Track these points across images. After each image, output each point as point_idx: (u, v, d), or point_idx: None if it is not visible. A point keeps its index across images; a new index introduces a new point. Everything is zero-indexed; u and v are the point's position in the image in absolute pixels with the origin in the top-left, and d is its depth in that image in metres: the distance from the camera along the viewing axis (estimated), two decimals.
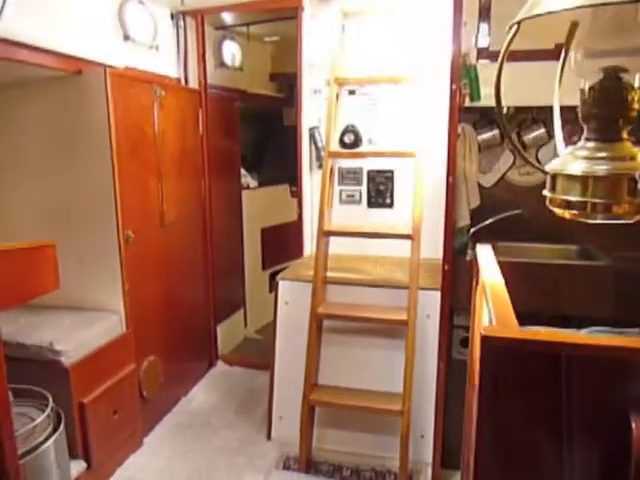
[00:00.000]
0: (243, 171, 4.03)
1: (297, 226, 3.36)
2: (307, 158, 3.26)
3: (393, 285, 2.68)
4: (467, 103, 2.17)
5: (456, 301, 2.29)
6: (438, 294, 2.56)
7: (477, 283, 1.51)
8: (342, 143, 3.15)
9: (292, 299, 2.82)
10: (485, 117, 2.44)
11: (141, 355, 2.79)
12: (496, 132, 2.40)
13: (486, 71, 2.15)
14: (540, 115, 2.38)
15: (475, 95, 2.15)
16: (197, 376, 3.44)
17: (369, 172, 3.22)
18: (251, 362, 3.64)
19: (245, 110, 4.16)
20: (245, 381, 3.50)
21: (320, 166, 3.23)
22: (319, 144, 3.20)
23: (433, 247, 2.88)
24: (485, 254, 1.49)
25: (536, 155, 2.48)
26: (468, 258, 2.26)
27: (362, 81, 2.77)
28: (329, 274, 2.80)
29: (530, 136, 2.40)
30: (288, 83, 4.72)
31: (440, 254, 3.06)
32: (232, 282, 3.94)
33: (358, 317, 2.55)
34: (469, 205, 2.26)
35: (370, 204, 3.25)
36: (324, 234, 2.63)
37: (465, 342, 2.48)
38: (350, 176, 3.26)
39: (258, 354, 3.70)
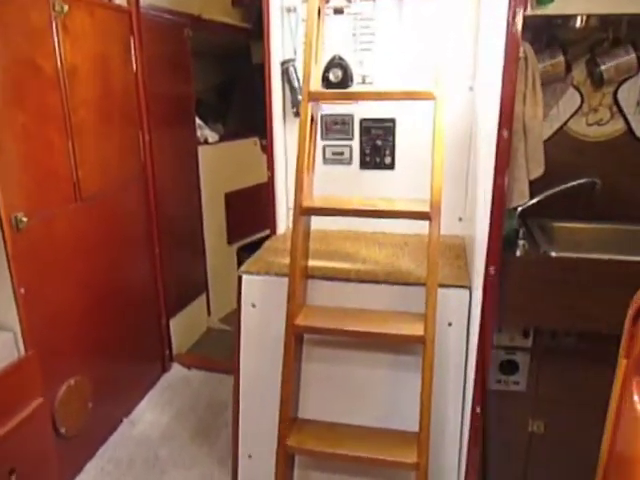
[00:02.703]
0: (199, 122, 3.17)
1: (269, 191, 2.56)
2: (279, 103, 2.43)
3: (401, 281, 1.94)
4: (528, 10, 1.37)
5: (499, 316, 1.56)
6: (465, 293, 1.85)
7: None
8: (326, 82, 2.32)
9: (261, 300, 2.06)
10: (546, 36, 1.63)
11: (56, 380, 2.04)
12: (561, 59, 1.61)
13: None
14: (631, 33, 1.58)
15: None
16: (144, 388, 2.71)
17: (362, 122, 2.41)
18: (214, 364, 2.92)
19: (201, 43, 3.26)
20: (207, 389, 2.78)
21: (297, 113, 2.41)
22: (295, 83, 2.36)
23: (447, 220, 2.14)
24: None
25: (614, 95, 1.70)
26: (519, 253, 1.52)
27: None
28: (311, 263, 2.04)
29: (611, 64, 1.61)
30: (256, 10, 3.79)
31: (456, 229, 2.37)
32: (189, 263, 3.15)
33: (352, 332, 1.81)
34: (529, 174, 1.49)
35: (364, 164, 2.46)
36: (303, 212, 1.85)
37: (506, 367, 1.78)
38: (337, 127, 2.44)
39: (224, 349, 2.95)
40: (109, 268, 2.36)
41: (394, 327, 1.79)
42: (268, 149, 2.41)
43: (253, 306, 2.05)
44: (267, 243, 2.41)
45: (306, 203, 1.83)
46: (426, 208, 1.75)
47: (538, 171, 1.50)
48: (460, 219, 2.41)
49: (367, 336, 1.83)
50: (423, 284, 1.89)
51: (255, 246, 3.86)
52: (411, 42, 2.27)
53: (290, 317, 1.82)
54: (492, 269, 1.41)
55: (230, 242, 3.52)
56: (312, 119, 1.88)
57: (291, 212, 2.58)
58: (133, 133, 2.51)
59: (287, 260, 2.01)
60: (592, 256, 1.42)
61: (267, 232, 3.73)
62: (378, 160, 2.43)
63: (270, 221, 2.52)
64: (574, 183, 1.63)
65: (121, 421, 2.50)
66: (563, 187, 1.64)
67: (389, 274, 1.97)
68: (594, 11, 1.43)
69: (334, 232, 2.43)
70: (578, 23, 1.54)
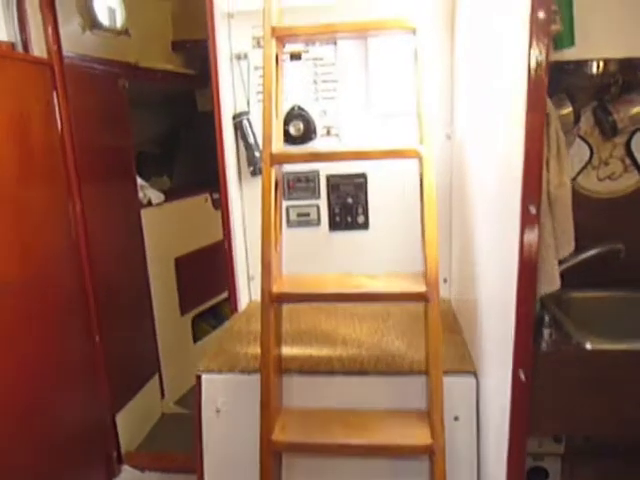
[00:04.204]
0: (141, 182, 2.80)
1: (225, 251, 2.20)
2: (233, 161, 2.12)
3: (394, 369, 1.63)
4: None
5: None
6: (471, 382, 1.57)
7: None
8: (286, 136, 2.04)
9: (227, 404, 1.69)
10: (557, 82, 1.39)
11: None
12: (570, 108, 1.38)
13: None
14: None
15: (566, 35, 1.10)
16: None
17: (329, 178, 2.14)
18: (172, 461, 2.49)
19: (140, 91, 2.93)
20: None
21: (254, 172, 2.11)
22: (250, 139, 2.07)
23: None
24: None
25: (627, 145, 1.48)
26: (545, 346, 1.24)
27: (319, 31, 1.63)
28: (285, 351, 1.71)
29: (626, 112, 1.40)
30: (200, 55, 3.51)
31: (441, 291, 2.10)
32: (137, 344, 2.74)
33: (343, 446, 1.48)
34: (558, 254, 1.22)
35: (334, 225, 2.17)
36: (273, 299, 1.51)
37: (534, 476, 1.49)
38: (301, 185, 2.16)
39: (183, 438, 2.53)
40: (35, 367, 1.94)
41: (393, 434, 1.47)
42: (223, 215, 2.08)
43: (217, 412, 1.69)
44: (228, 324, 2.06)
45: (276, 288, 1.51)
46: (421, 286, 1.47)
47: (568, 248, 1.24)
48: (445, 280, 2.16)
49: (362, 450, 1.49)
50: (420, 372, 1.60)
51: (212, 313, 3.51)
52: (379, 88, 2.03)
53: (265, 431, 1.47)
54: (522, 374, 1.12)
55: (183, 312, 3.12)
56: (276, 185, 1.58)
57: (253, 283, 2.27)
58: (59, 202, 2.12)
59: (255, 349, 1.69)
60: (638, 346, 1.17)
61: (224, 295, 3.38)
62: (350, 220, 2.16)
63: (231, 296, 2.17)
64: (598, 251, 1.39)
65: None
66: (583, 257, 1.40)
67: (378, 360, 1.67)
68: (621, 55, 1.21)
69: (305, 304, 2.11)
70: (594, 69, 1.32)
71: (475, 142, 1.64)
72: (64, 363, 2.12)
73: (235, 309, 2.17)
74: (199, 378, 1.70)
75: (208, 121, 2.16)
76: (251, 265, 2.23)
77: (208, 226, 3.15)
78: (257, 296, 2.21)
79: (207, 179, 2.92)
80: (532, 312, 1.06)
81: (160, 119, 3.87)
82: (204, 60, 2.16)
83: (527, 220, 1.04)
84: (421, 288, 1.45)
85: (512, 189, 1.09)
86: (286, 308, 1.75)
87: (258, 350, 1.56)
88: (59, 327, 2.09)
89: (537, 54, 0.96)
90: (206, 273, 3.18)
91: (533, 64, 0.96)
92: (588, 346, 1.19)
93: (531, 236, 1.04)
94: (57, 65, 2.05)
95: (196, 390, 1.70)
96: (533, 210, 1.02)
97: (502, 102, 1.19)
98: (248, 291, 2.25)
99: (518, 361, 1.13)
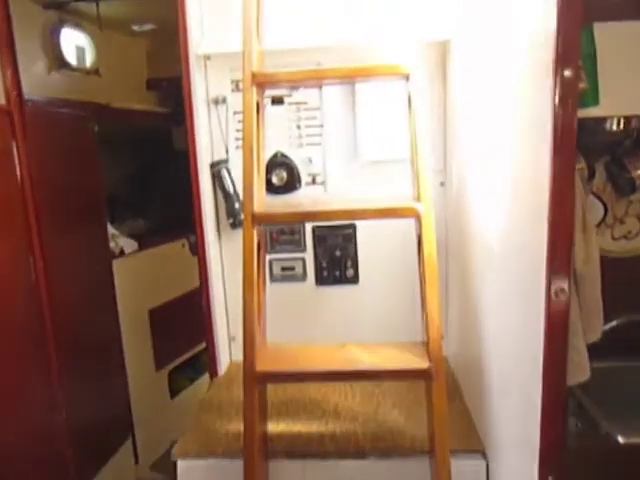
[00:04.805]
0: (112, 231, 2.61)
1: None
2: (211, 212, 1.95)
3: (392, 448, 1.46)
4: None
5: None
6: (480, 464, 1.41)
7: None
8: (268, 185, 1.89)
9: None
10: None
11: None
12: (583, 164, 1.26)
13: (618, 40, 0.97)
14: None
15: (592, 94, 0.98)
16: None
17: (315, 229, 1.98)
18: None
19: (112, 132, 2.77)
20: None
21: (234, 225, 1.94)
22: (230, 189, 1.91)
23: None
24: None
25: None
26: (571, 441, 1.08)
27: (305, 77, 1.49)
28: (271, 429, 1.53)
29: None
30: (175, 92, 3.37)
31: None
32: (107, 406, 2.50)
33: None
34: (586, 338, 1.08)
35: (321, 280, 2.01)
36: (258, 379, 1.33)
37: None
38: (285, 237, 2.00)
39: None
40: None
41: None
42: (201, 270, 1.90)
43: None
44: (207, 393, 1.86)
45: (261, 366, 1.33)
46: (423, 361, 1.30)
47: (596, 332, 1.09)
48: (441, 337, 2.00)
49: None
50: (422, 452, 1.44)
51: (190, 364, 3.29)
52: (367, 133, 1.90)
53: None
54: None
55: (159, 366, 2.90)
56: (259, 246, 1.41)
57: (234, 343, 2.09)
58: (20, 258, 1.93)
59: (237, 425, 1.50)
60: None
61: (203, 345, 3.15)
62: (338, 274, 2.00)
63: (209, 359, 1.97)
64: (621, 321, 1.25)
65: None
66: (607, 328, 1.26)
67: (376, 438, 1.50)
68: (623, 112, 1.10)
69: None
70: (615, 125, 1.21)
71: (475, 194, 1.51)
72: (21, 438, 1.89)
73: (215, 373, 1.97)
74: (175, 464, 1.50)
75: (185, 160, 2.01)
76: (232, 323, 2.05)
77: (185, 273, 2.95)
78: (239, 357, 2.01)
79: (185, 220, 2.74)
80: (561, 413, 0.91)
81: (134, 158, 3.70)
82: (181, 98, 2.02)
83: (554, 305, 0.89)
84: (423, 364, 1.29)
85: (532, 263, 0.95)
86: None
87: (240, 427, 1.37)
88: (15, 399, 1.87)
89: (564, 116, 0.82)
90: (183, 323, 2.98)
91: (560, 127, 0.83)
92: (620, 440, 1.04)
93: (559, 323, 0.90)
94: (17, 111, 1.88)
95: (172, 477, 1.50)
96: (562, 296, 0.87)
97: (511, 158, 1.07)
98: (229, 351, 2.07)
99: (546, 466, 0.97)
